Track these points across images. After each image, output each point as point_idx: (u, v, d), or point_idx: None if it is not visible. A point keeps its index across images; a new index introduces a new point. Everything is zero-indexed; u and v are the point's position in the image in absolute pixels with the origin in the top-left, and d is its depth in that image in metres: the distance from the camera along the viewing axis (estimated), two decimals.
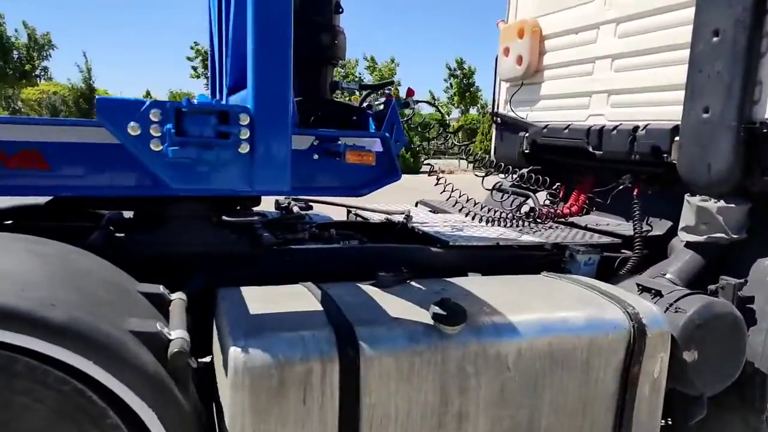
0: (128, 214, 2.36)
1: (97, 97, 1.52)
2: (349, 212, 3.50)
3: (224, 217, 2.16)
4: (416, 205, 3.90)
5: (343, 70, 32.42)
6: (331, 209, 3.34)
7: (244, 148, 1.54)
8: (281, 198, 3.21)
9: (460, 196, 3.01)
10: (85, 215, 2.30)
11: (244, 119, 1.53)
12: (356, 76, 31.95)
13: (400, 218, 2.96)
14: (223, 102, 2.18)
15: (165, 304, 1.77)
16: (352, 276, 2.10)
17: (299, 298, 1.84)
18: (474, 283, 2.10)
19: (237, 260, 2.13)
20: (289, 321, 1.65)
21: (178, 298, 1.81)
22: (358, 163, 1.93)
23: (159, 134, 1.47)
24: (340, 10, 2.43)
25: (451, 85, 35.81)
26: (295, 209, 3.08)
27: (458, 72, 35.38)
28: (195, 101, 1.45)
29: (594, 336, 1.85)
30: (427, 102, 3.03)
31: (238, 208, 2.26)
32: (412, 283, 2.06)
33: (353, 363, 1.57)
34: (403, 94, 2.45)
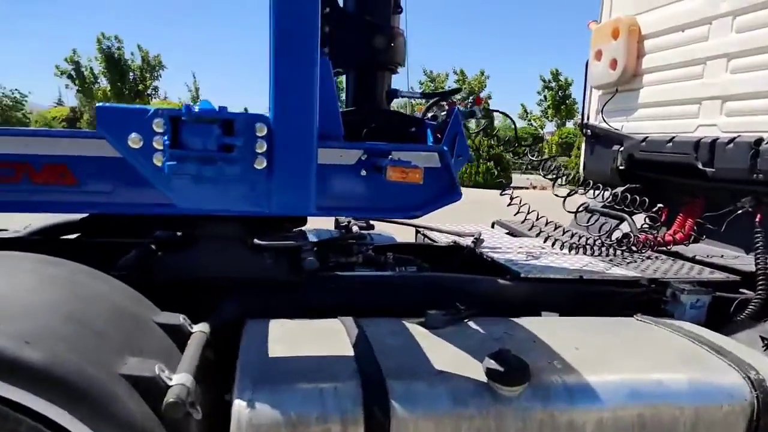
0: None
1: (97, 104, 1.35)
2: (417, 232, 3.23)
3: (256, 240, 1.95)
4: (492, 226, 3.55)
5: (432, 84, 32.29)
6: (396, 229, 3.07)
7: (261, 163, 1.32)
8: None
9: (538, 218, 2.64)
10: (136, 232, 2.20)
11: (261, 130, 1.31)
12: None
13: (468, 242, 2.63)
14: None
15: (185, 336, 1.57)
16: (404, 308, 1.83)
17: (331, 337, 1.59)
18: (546, 327, 1.75)
19: (272, 288, 1.92)
20: (310, 368, 1.40)
21: (199, 331, 1.60)
22: (403, 182, 1.64)
23: (162, 147, 1.27)
24: (399, 9, 2.18)
25: (545, 98, 34.59)
26: (355, 228, 2.84)
27: (553, 84, 34.14)
28: (197, 108, 1.24)
29: (702, 407, 1.46)
30: (497, 111, 2.69)
31: (277, 229, 2.04)
32: (469, 323, 1.75)
33: (382, 426, 1.30)
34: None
